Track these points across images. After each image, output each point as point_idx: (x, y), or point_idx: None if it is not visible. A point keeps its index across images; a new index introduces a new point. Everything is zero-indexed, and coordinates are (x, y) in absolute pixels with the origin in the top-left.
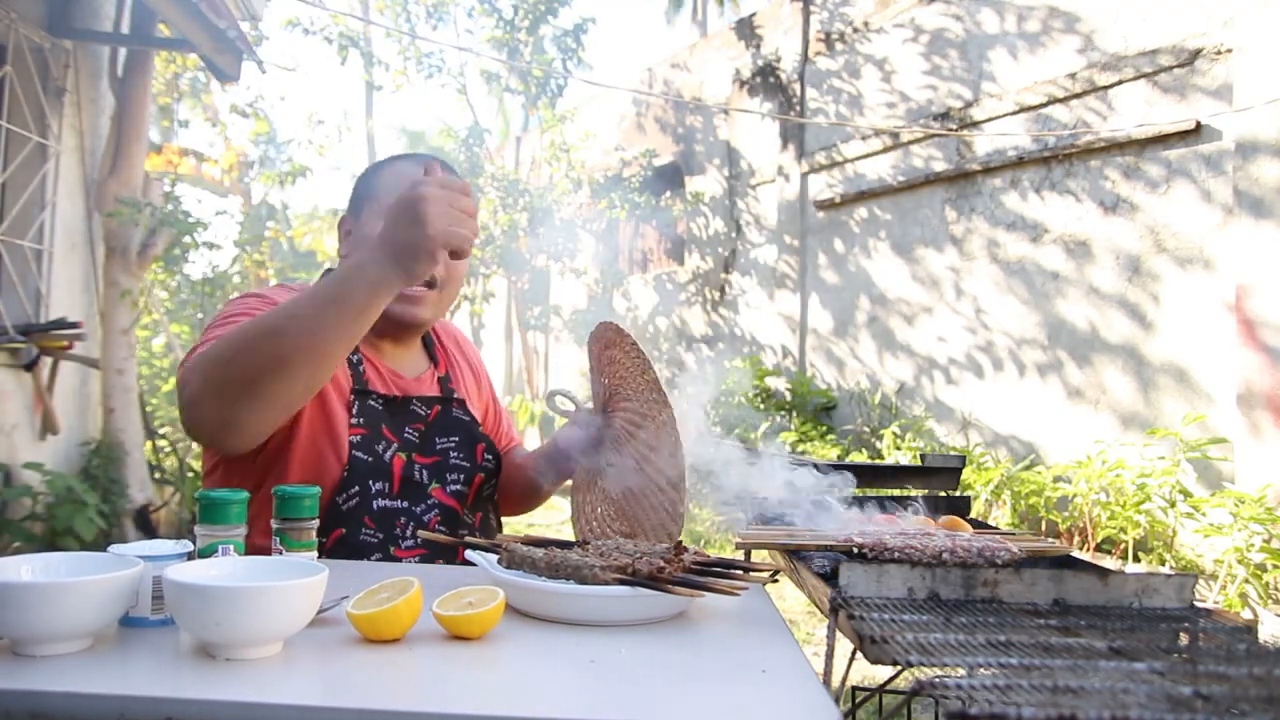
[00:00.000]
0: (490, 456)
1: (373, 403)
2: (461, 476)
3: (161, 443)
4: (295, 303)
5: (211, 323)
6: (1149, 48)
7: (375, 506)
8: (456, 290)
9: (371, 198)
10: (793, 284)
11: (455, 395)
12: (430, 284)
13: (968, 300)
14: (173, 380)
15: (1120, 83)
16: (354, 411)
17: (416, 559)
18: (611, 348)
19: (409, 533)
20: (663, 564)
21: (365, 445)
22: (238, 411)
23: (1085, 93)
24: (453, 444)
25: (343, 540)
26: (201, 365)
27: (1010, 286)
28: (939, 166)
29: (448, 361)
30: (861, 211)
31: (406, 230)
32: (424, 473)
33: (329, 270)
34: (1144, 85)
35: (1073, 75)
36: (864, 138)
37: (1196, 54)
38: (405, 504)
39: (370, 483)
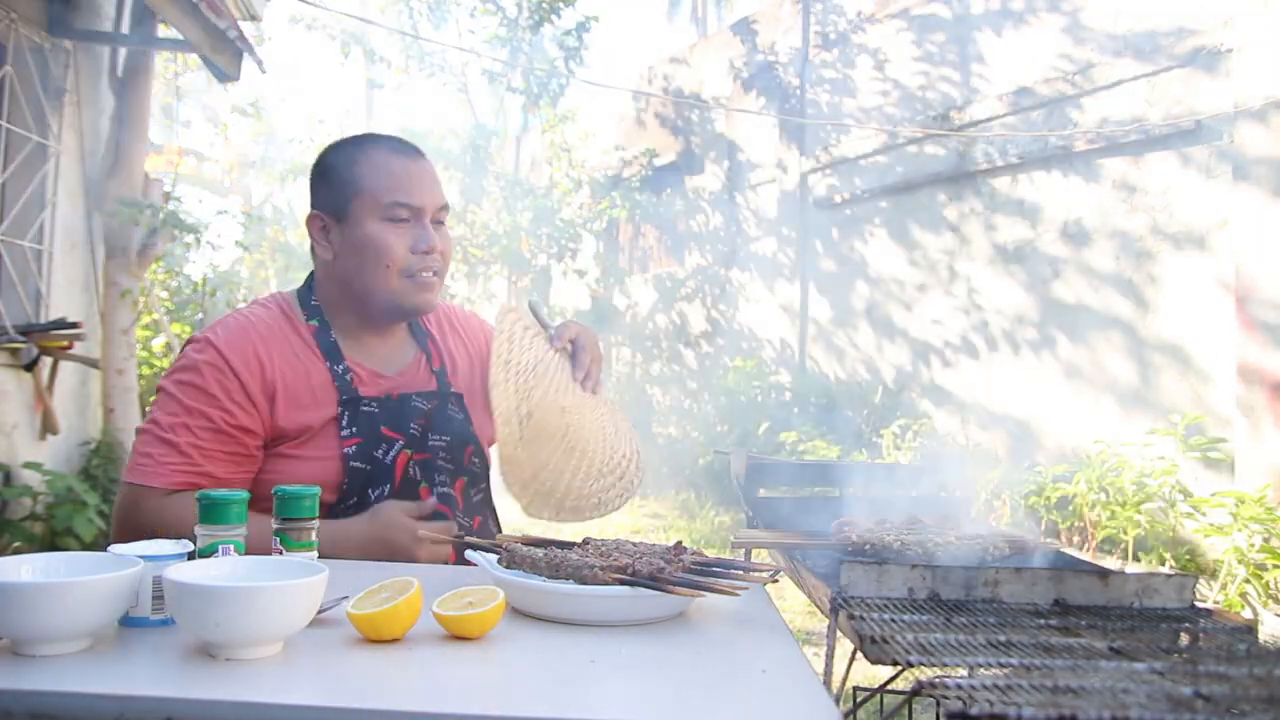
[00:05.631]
0: (477, 460)
1: (366, 408)
2: (446, 479)
3: None
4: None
5: (161, 388)
6: (1149, 43)
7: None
8: (449, 264)
9: (358, 195)
10: (790, 273)
11: (452, 390)
12: (437, 274)
13: (965, 285)
14: None
15: (1120, 82)
16: (345, 422)
17: None
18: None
19: None
20: (663, 564)
21: (362, 454)
22: None
23: (1083, 93)
24: (443, 444)
25: None
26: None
27: (1009, 271)
28: (936, 155)
29: (440, 351)
30: (860, 203)
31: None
32: (417, 469)
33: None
34: (1144, 81)
35: (1070, 71)
36: (864, 132)
37: (1198, 51)
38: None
39: (369, 490)
